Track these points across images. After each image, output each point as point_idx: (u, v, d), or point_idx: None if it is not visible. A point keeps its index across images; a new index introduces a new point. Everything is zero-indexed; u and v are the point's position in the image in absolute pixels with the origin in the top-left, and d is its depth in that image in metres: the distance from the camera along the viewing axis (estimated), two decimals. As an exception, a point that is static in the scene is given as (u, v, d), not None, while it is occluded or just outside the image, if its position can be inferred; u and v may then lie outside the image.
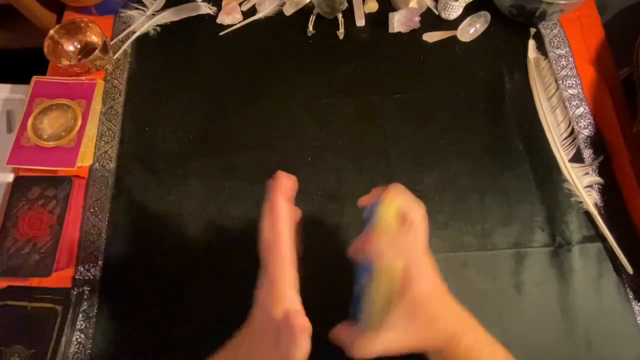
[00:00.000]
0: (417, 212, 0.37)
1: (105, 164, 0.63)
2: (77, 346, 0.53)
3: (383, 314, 0.34)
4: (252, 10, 0.74)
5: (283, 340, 0.33)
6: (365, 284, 0.36)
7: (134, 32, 0.72)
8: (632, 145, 0.63)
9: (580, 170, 0.61)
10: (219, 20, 0.73)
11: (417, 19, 0.71)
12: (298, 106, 0.67)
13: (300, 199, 0.61)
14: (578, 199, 0.60)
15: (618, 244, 0.56)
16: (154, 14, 0.73)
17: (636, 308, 0.55)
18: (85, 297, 0.56)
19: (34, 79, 0.65)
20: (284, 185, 0.40)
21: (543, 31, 0.71)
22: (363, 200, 0.42)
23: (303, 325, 0.33)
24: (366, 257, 0.33)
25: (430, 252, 0.38)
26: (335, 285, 0.56)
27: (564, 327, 0.54)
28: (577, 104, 0.66)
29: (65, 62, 0.66)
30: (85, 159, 0.62)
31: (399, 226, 0.35)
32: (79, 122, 0.62)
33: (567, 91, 0.67)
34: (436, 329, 0.35)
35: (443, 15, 0.72)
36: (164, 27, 0.73)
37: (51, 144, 0.61)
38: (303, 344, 0.33)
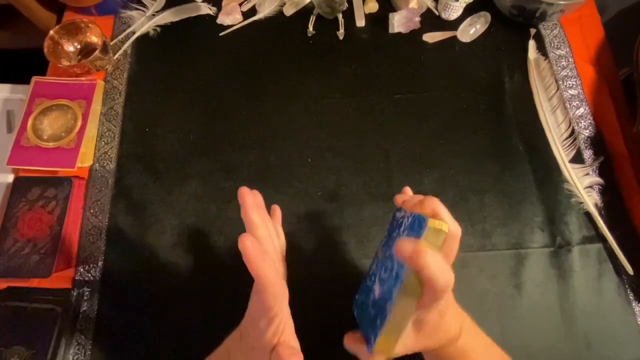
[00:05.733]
0: (457, 235, 0.37)
1: (105, 164, 0.63)
2: (77, 347, 0.53)
3: (395, 342, 0.34)
4: (252, 11, 0.74)
5: None
6: (386, 293, 0.35)
7: (134, 33, 0.72)
8: (632, 146, 0.63)
9: (580, 171, 0.61)
10: (219, 21, 0.73)
11: (417, 19, 0.71)
12: (298, 106, 0.67)
13: (300, 199, 0.61)
14: (578, 199, 0.60)
15: (618, 244, 0.56)
16: (154, 15, 0.73)
17: (636, 309, 0.55)
18: (85, 298, 0.56)
19: (34, 79, 0.65)
20: (251, 201, 0.40)
21: (543, 31, 0.71)
22: (402, 202, 0.41)
23: None
24: (411, 260, 0.31)
25: None
26: (335, 285, 0.56)
27: (564, 327, 0.54)
28: (577, 104, 0.66)
29: (65, 63, 0.66)
30: (85, 159, 0.62)
31: (440, 249, 0.34)
32: (79, 123, 0.62)
33: (567, 92, 0.67)
34: (439, 336, 0.36)
35: (443, 16, 0.72)
36: (164, 27, 0.73)
37: (51, 144, 0.61)
38: None
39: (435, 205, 0.36)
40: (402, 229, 0.39)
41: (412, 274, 0.32)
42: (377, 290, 0.38)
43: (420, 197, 0.39)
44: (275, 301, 0.33)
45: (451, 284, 0.31)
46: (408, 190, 0.45)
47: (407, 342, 0.35)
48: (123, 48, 0.71)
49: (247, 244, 0.32)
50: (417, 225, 0.35)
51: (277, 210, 0.48)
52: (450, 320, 0.36)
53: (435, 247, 0.33)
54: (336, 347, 0.53)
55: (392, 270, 0.36)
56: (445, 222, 0.34)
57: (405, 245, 0.31)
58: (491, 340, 0.41)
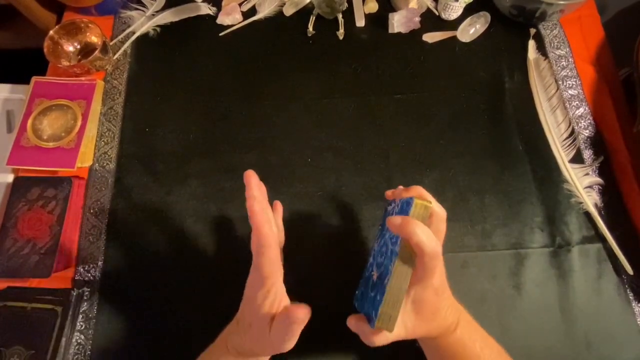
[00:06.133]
0: (443, 216, 0.41)
1: (105, 164, 0.63)
2: (76, 347, 0.53)
3: (395, 314, 0.35)
4: (252, 11, 0.74)
5: (277, 331, 0.35)
6: (383, 271, 0.38)
7: (133, 33, 0.72)
8: (632, 146, 0.63)
9: (580, 171, 0.61)
10: (218, 21, 0.73)
11: (417, 19, 0.71)
12: (298, 106, 0.67)
13: (300, 199, 0.61)
14: (578, 199, 0.60)
15: (618, 244, 0.56)
16: (153, 15, 0.73)
17: (636, 309, 0.55)
18: (85, 298, 0.56)
19: (34, 79, 0.65)
20: (257, 185, 0.40)
21: (543, 31, 0.71)
22: (392, 193, 0.47)
23: (305, 315, 0.34)
24: (401, 230, 0.35)
25: None
26: (334, 284, 0.56)
27: (564, 327, 0.54)
28: (577, 104, 0.66)
29: (65, 63, 0.66)
30: (85, 159, 0.62)
31: (427, 223, 0.37)
32: (79, 123, 0.62)
33: (567, 92, 0.67)
34: (437, 321, 0.38)
35: (443, 16, 0.72)
36: (164, 27, 0.73)
37: (51, 144, 0.61)
38: (297, 335, 0.35)
39: (420, 190, 0.42)
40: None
41: (404, 246, 0.35)
42: (374, 274, 0.40)
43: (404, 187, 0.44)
44: (272, 268, 0.35)
45: (438, 251, 0.34)
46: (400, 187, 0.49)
47: (407, 323, 0.37)
48: (123, 48, 0.71)
49: (254, 203, 0.35)
50: (406, 205, 0.38)
51: (278, 205, 0.51)
52: (448, 308, 0.38)
53: (423, 221, 0.36)
54: (336, 344, 0.53)
55: (387, 253, 0.39)
56: (430, 202, 0.38)
57: (395, 218, 0.35)
58: (486, 332, 0.42)
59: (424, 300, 0.36)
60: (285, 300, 0.37)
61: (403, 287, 0.35)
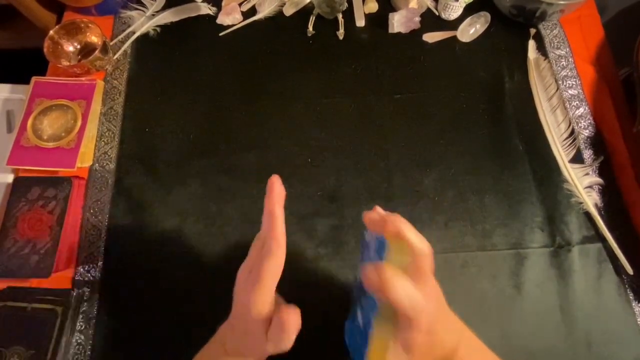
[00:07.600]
0: (425, 253, 0.33)
1: (105, 164, 0.63)
2: (77, 347, 0.53)
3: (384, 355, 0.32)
4: (252, 11, 0.74)
5: (273, 335, 0.34)
6: (365, 320, 0.35)
7: (133, 33, 0.72)
8: (632, 146, 0.63)
9: (580, 171, 0.61)
10: (219, 21, 0.73)
11: (417, 19, 0.71)
12: (298, 106, 0.67)
13: (300, 199, 0.61)
14: (578, 199, 0.60)
15: (618, 244, 0.56)
16: (153, 15, 0.73)
17: (636, 309, 0.55)
18: (85, 298, 0.56)
19: (34, 79, 0.65)
20: (280, 193, 0.38)
21: (543, 31, 0.71)
22: (368, 221, 0.37)
23: (296, 322, 0.33)
24: (376, 290, 0.30)
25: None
26: (334, 285, 0.56)
27: (564, 327, 0.54)
28: (577, 104, 0.66)
29: (65, 63, 0.66)
30: (85, 159, 0.62)
31: (407, 271, 0.32)
32: (79, 123, 0.62)
33: (567, 91, 0.67)
34: (435, 352, 0.34)
35: (443, 16, 0.72)
36: (164, 27, 0.73)
37: (51, 144, 0.61)
38: (292, 339, 0.33)
39: (397, 223, 0.33)
40: (371, 252, 0.37)
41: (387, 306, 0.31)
42: (360, 317, 0.37)
43: (383, 215, 0.35)
44: (275, 272, 0.33)
45: (421, 306, 0.30)
46: (377, 209, 0.39)
47: None
48: (123, 48, 0.71)
49: (276, 182, 0.35)
50: (379, 246, 0.34)
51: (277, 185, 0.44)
52: (445, 334, 0.34)
53: (401, 268, 0.31)
54: (331, 347, 0.53)
55: (367, 297, 0.35)
56: (410, 242, 0.31)
57: (370, 274, 0.30)
58: (490, 351, 0.38)
59: (414, 344, 0.32)
60: (279, 302, 0.35)
61: (385, 343, 0.32)
